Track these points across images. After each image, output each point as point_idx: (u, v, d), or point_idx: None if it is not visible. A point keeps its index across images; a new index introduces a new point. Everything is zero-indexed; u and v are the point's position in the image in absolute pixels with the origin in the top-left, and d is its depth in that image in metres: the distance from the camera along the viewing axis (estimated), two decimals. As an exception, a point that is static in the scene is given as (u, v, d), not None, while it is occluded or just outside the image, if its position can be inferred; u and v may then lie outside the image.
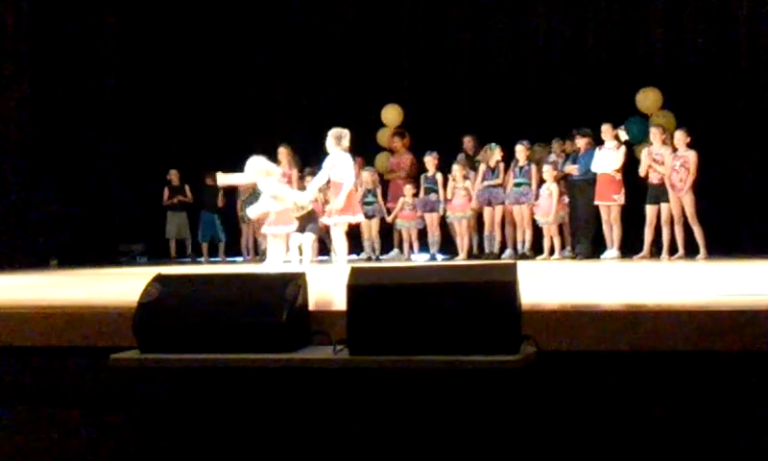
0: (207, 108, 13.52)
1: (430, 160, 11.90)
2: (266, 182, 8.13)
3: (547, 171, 10.92)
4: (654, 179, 10.18)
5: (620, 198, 10.47)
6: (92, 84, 13.23)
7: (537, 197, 11.04)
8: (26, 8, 12.22)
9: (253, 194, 13.01)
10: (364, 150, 12.14)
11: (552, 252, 10.98)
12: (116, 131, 13.61)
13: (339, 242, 8.30)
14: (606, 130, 10.56)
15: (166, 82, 13.63)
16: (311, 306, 3.77)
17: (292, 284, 3.59)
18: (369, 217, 11.86)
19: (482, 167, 11.47)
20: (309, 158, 12.15)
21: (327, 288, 5.35)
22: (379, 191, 12.33)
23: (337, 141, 8.38)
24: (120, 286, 6.79)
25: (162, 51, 13.69)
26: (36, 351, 3.98)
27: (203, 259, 13.43)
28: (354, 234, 11.75)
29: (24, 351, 3.99)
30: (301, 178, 12.24)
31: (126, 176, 13.61)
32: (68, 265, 11.44)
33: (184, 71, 13.64)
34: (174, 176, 13.41)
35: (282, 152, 12.12)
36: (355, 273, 3.50)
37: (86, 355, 3.86)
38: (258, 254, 13.09)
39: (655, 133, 10.23)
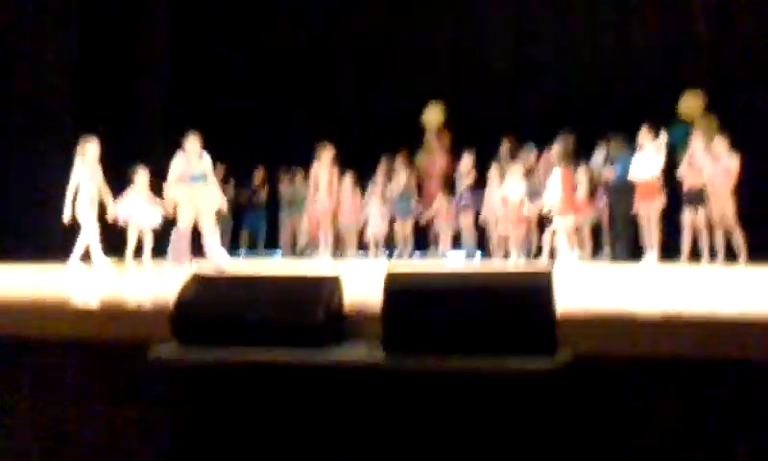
0: (252, 109, 13.65)
1: (466, 160, 11.97)
2: None
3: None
4: (691, 183, 10.05)
5: (659, 201, 10.37)
6: (139, 81, 13.33)
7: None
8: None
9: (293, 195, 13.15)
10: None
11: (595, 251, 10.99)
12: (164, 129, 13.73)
13: (563, 239, 10.46)
14: (645, 132, 10.43)
15: (215, 81, 13.77)
16: (348, 308, 3.78)
17: (328, 285, 3.61)
18: (403, 217, 12.12)
19: (519, 169, 11.44)
20: (358, 158, 12.22)
21: (365, 290, 5.36)
22: (414, 191, 12.40)
23: None
24: (158, 282, 6.84)
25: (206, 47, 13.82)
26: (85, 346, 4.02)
27: (242, 250, 13.54)
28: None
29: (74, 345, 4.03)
30: (342, 177, 12.31)
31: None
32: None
33: (233, 71, 13.78)
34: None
35: (324, 152, 12.18)
36: (391, 276, 3.50)
37: (126, 350, 3.90)
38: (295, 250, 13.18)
39: (697, 137, 10.11)
